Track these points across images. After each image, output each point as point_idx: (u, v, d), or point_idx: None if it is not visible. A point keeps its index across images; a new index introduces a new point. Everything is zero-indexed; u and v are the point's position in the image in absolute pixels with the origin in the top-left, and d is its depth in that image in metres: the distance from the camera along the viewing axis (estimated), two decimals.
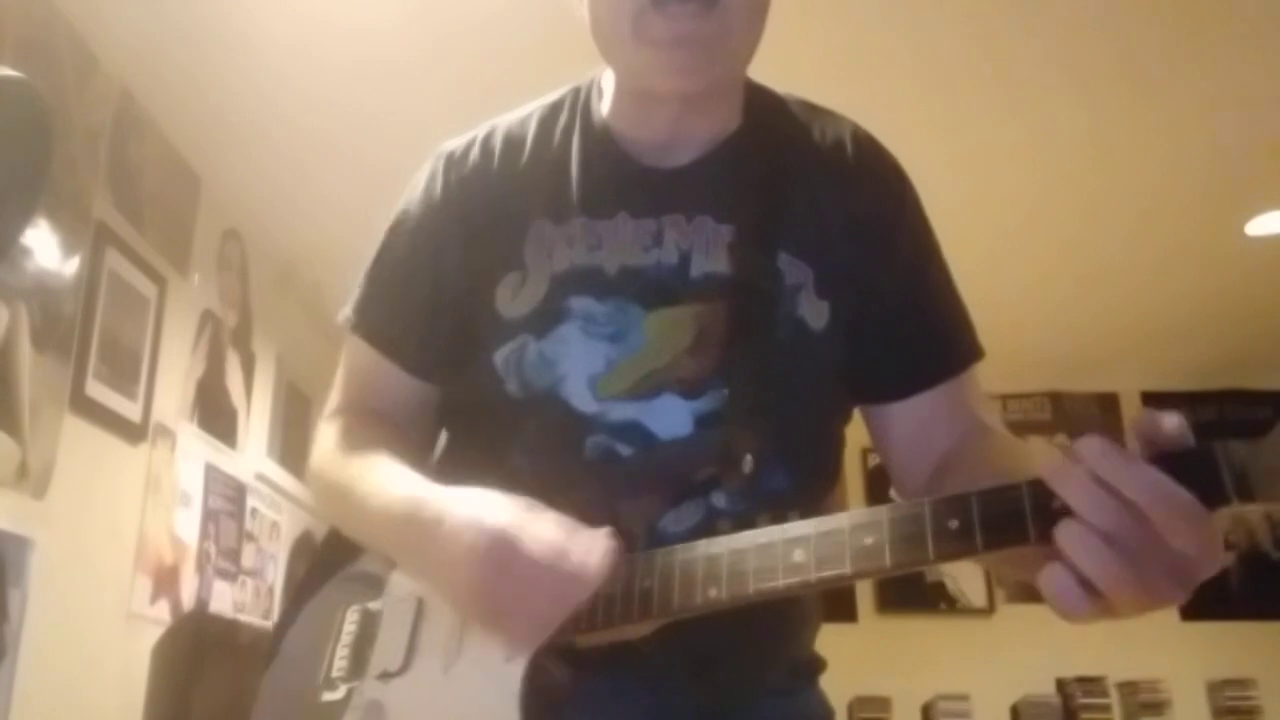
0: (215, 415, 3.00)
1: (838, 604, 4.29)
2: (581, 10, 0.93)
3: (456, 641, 0.83)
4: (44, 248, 2.15)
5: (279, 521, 3.49)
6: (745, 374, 0.87)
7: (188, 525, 2.78)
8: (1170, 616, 4.45)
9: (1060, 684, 4.20)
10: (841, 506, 0.79)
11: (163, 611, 2.59)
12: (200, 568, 2.84)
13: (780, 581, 0.71)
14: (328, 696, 0.90)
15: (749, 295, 0.89)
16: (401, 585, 0.91)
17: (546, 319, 0.90)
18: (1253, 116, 2.74)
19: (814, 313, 0.90)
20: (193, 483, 2.83)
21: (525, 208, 0.95)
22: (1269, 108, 2.71)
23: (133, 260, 2.52)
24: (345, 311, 1.03)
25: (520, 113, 1.03)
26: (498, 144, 1.00)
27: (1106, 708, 4.17)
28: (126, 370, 2.48)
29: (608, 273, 0.91)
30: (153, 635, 2.49)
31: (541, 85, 1.11)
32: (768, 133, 0.97)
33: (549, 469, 0.88)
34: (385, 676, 0.87)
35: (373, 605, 0.92)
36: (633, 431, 0.86)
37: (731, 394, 0.86)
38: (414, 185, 1.03)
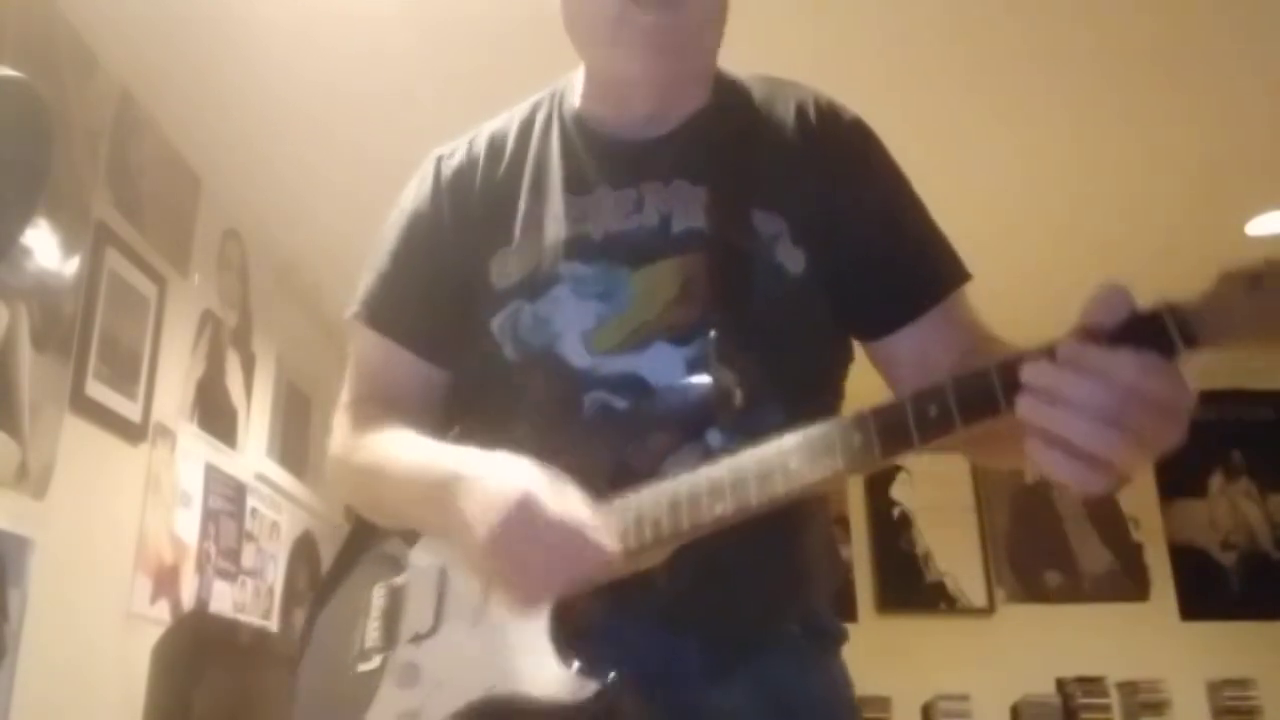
0: (215, 415, 3.00)
1: (838, 604, 4.29)
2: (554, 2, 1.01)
3: (481, 598, 0.88)
4: (44, 248, 2.15)
5: (279, 521, 3.49)
6: (730, 317, 0.92)
7: (188, 525, 2.78)
8: (1170, 616, 4.46)
9: (1060, 684, 4.20)
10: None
11: (163, 611, 2.59)
12: (200, 568, 2.84)
13: (780, 487, 0.76)
14: (363, 667, 0.95)
15: (727, 247, 0.95)
16: (423, 558, 0.97)
17: (538, 284, 0.96)
18: (1253, 116, 2.75)
19: (791, 259, 0.96)
20: (193, 483, 2.83)
21: (511, 191, 1.03)
22: (1269, 107, 2.71)
23: (133, 260, 2.52)
24: (353, 309, 1.08)
25: (503, 115, 1.11)
26: (483, 141, 1.08)
27: (1106, 708, 4.17)
28: (126, 370, 2.48)
29: (594, 238, 0.97)
30: (153, 635, 2.48)
31: (544, 73, 1.15)
32: (735, 105, 1.04)
33: (550, 431, 0.92)
34: (417, 639, 0.92)
35: (398, 580, 0.98)
36: (628, 383, 0.91)
37: (718, 336, 0.90)
38: (409, 187, 1.11)
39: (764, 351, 0.92)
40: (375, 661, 0.95)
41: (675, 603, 0.86)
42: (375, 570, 1.02)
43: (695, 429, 0.88)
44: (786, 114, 1.03)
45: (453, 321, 1.02)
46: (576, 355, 0.93)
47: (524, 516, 0.80)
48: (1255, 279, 0.66)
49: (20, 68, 1.84)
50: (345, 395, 1.09)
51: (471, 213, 1.04)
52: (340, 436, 1.06)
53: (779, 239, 0.96)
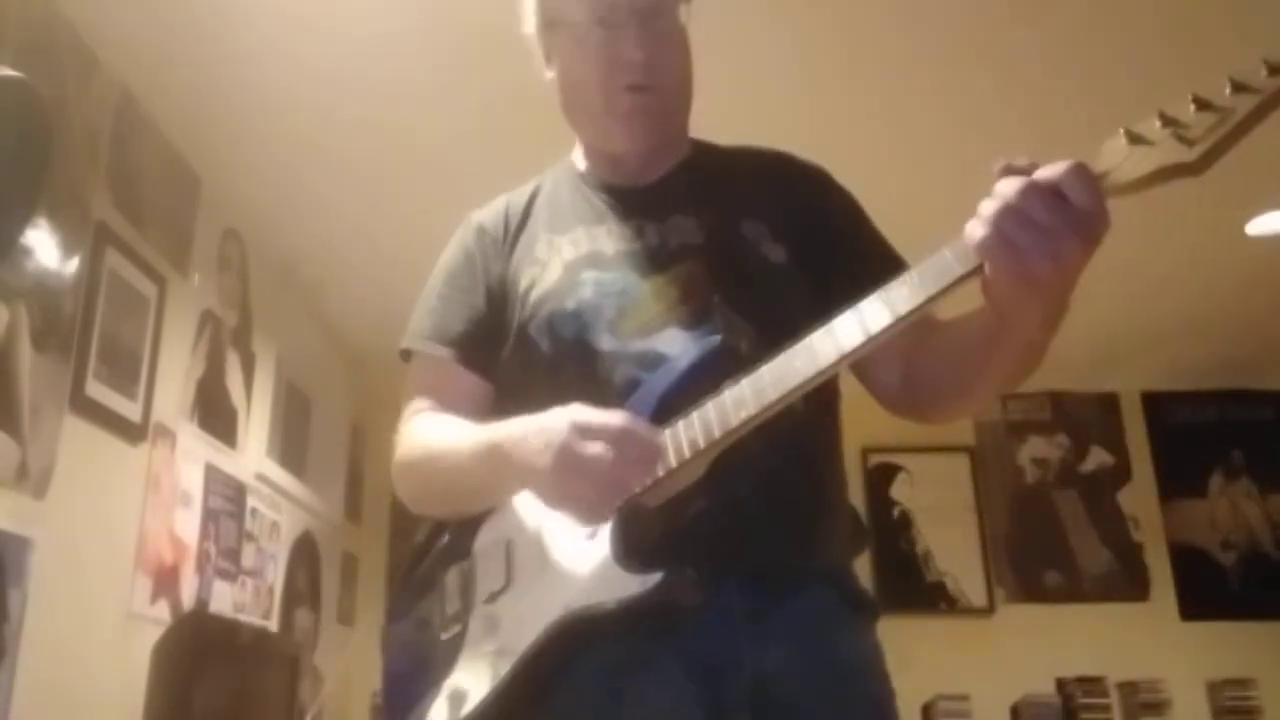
0: (215, 415, 3.00)
1: None
2: (554, 90, 1.24)
3: (543, 554, 1.03)
4: (44, 248, 2.15)
5: (279, 521, 3.49)
6: (729, 297, 1.10)
7: (188, 525, 2.78)
8: (1170, 616, 4.46)
9: (1060, 684, 4.20)
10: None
11: (163, 611, 2.59)
12: (200, 568, 2.84)
13: (793, 381, 0.91)
14: (447, 634, 1.08)
15: (721, 249, 1.14)
16: (486, 540, 1.10)
17: (566, 290, 1.14)
18: None
19: (774, 253, 1.15)
20: (193, 483, 2.83)
21: (534, 232, 1.23)
22: None
23: (133, 260, 2.52)
24: (409, 342, 1.25)
25: (521, 187, 1.32)
26: (503, 202, 1.29)
27: (1106, 708, 4.17)
28: (126, 370, 2.48)
29: (608, 254, 1.16)
30: (153, 635, 2.48)
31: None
32: (710, 155, 1.28)
33: (587, 403, 1.03)
34: (492, 597, 1.05)
35: (464, 564, 1.11)
36: (650, 358, 1.06)
37: (720, 314, 1.08)
38: (448, 246, 1.30)
39: (763, 322, 1.07)
40: (457, 627, 1.07)
41: (717, 546, 0.99)
42: (444, 561, 1.14)
43: (712, 381, 0.99)
44: (754, 157, 1.27)
45: (496, 338, 1.19)
46: (604, 340, 1.09)
47: (577, 433, 0.94)
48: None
49: (20, 68, 1.84)
50: (405, 414, 1.23)
51: (502, 251, 1.23)
52: (401, 446, 1.20)
53: (763, 239, 1.15)
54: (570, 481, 0.95)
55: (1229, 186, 3.22)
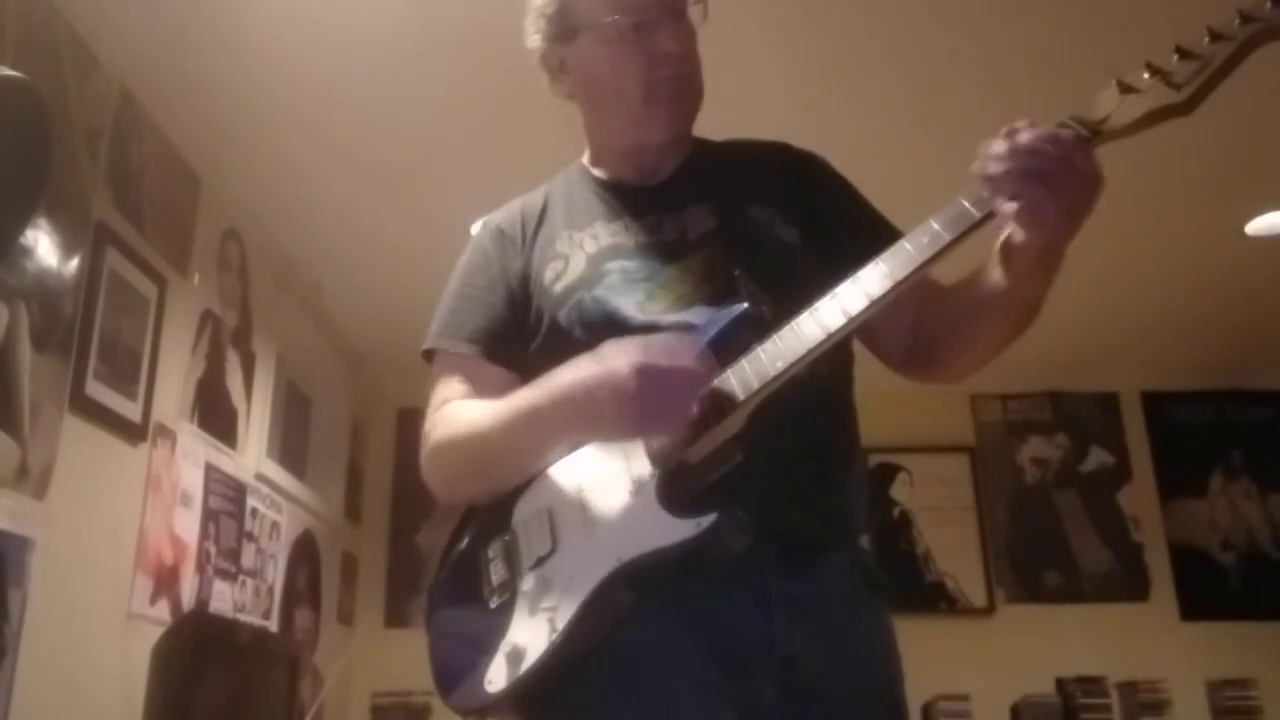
0: (215, 415, 3.00)
1: None
2: (577, 97, 1.30)
3: (587, 515, 1.06)
4: (44, 248, 2.15)
5: (279, 521, 3.49)
6: (750, 274, 1.12)
7: (188, 525, 2.78)
8: (1170, 616, 4.46)
9: (1060, 684, 4.20)
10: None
11: (163, 611, 2.59)
12: (200, 568, 2.84)
13: (832, 325, 0.98)
14: (494, 604, 1.09)
15: (736, 233, 1.19)
16: (526, 511, 1.11)
17: (593, 279, 1.18)
18: (1253, 117, 2.74)
19: (787, 233, 1.21)
20: (193, 483, 2.83)
21: (552, 229, 1.27)
22: (1269, 108, 2.71)
23: (133, 260, 2.52)
24: (436, 342, 1.26)
25: (531, 192, 1.35)
26: (519, 205, 1.33)
27: (1106, 708, 4.17)
28: (126, 370, 2.48)
29: (629, 246, 1.21)
30: (153, 635, 2.48)
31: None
32: (711, 150, 1.33)
33: None
34: (540, 561, 1.07)
35: (505, 536, 1.12)
36: (683, 329, 1.09)
37: (744, 289, 1.10)
38: (466, 251, 1.33)
39: (783, 297, 1.09)
40: (506, 594, 1.08)
41: (756, 497, 1.01)
42: (483, 541, 1.15)
43: (740, 347, 1.03)
44: (753, 148, 1.33)
45: (518, 333, 1.22)
46: (635, 319, 1.12)
47: (646, 379, 0.97)
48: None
49: (20, 68, 1.84)
50: (433, 406, 1.24)
51: (521, 250, 1.27)
52: (435, 433, 1.21)
53: (774, 222, 1.21)
54: (649, 426, 1.00)
55: (1229, 186, 3.23)
